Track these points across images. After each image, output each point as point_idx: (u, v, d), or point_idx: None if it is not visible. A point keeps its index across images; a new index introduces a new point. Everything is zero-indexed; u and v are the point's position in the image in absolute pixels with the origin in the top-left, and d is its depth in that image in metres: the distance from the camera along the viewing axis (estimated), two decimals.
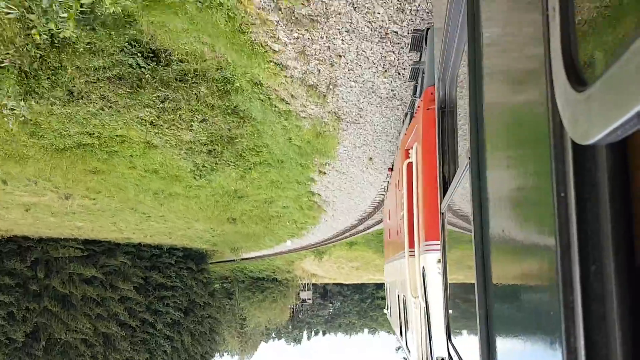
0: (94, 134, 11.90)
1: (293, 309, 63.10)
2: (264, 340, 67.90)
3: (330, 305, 73.71)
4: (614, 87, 0.46)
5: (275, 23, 5.76)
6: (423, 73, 4.96)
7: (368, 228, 25.24)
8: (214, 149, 11.37)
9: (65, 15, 5.15)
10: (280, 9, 5.54)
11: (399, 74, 6.40)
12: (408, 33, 5.43)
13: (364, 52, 6.04)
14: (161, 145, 11.24)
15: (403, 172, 4.91)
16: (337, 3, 5.29)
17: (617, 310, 0.60)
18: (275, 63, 6.83)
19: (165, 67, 7.95)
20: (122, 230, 31.91)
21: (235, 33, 6.15)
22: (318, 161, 12.45)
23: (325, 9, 5.40)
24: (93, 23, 6.05)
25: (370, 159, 10.59)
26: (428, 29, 4.93)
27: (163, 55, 7.78)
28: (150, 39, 7.42)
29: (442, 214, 2.45)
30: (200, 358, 45.76)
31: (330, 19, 5.49)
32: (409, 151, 4.92)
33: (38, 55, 6.90)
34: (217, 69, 8.14)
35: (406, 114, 6.86)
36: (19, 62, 6.53)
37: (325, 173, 13.90)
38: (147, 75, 7.94)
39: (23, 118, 7.70)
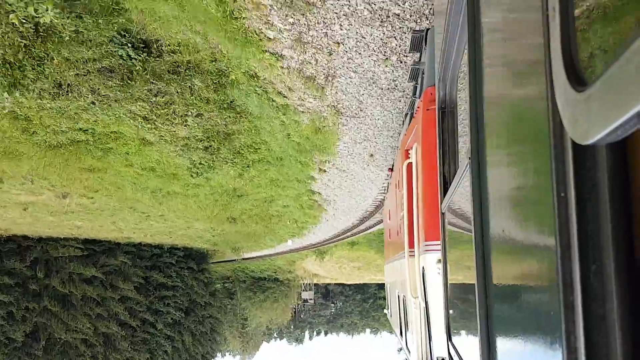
0: (87, 130, 11.61)
1: (295, 309, 62.88)
2: (265, 340, 67.91)
3: (332, 305, 73.62)
4: (613, 87, 0.46)
5: (269, 7, 5.42)
6: (423, 73, 4.96)
7: (369, 228, 24.91)
8: (211, 146, 11.04)
9: None
10: None
11: (401, 62, 6.05)
12: (410, 16, 5.09)
13: (363, 39, 5.70)
14: (156, 141, 10.92)
15: (403, 173, 4.92)
16: None
17: (618, 310, 0.60)
18: (270, 52, 6.49)
19: (157, 59, 7.62)
20: (121, 229, 31.75)
21: (228, 19, 5.81)
22: (318, 158, 12.11)
23: None
24: (78, 9, 5.72)
25: (371, 155, 10.24)
26: (428, 29, 4.97)
27: (154, 46, 7.46)
28: (140, 29, 7.10)
29: (443, 214, 2.44)
30: (201, 358, 45.60)
31: (327, 1, 5.15)
32: (409, 151, 4.93)
33: (22, 45, 6.58)
34: (212, 61, 7.81)
35: (406, 114, 6.91)
36: (2, 52, 6.21)
37: (325, 171, 13.57)
38: (137, 67, 7.61)
39: (7, 111, 7.38)
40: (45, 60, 6.95)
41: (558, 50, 0.65)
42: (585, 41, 0.61)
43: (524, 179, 0.95)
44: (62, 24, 6.00)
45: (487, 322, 1.33)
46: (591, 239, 0.65)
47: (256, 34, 6.09)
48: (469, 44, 1.48)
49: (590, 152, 0.65)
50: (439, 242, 2.77)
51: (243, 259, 43.99)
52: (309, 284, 57.70)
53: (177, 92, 8.33)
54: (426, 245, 3.93)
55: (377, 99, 7.25)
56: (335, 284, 65.84)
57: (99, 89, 8.19)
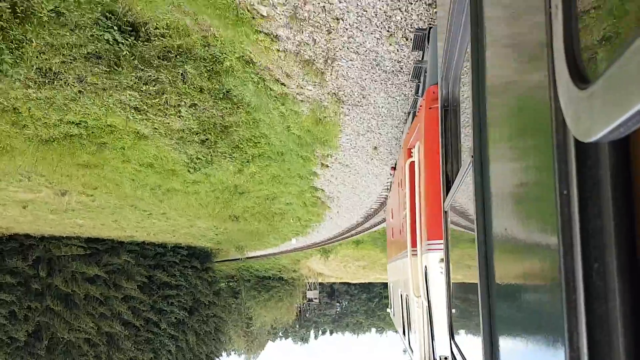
0: (80, 123, 11.20)
1: (300, 308, 62.64)
2: (270, 340, 67.89)
3: (338, 304, 73.51)
4: (616, 85, 0.47)
5: None
6: (425, 72, 4.93)
7: (374, 226, 24.41)
8: (207, 139, 10.56)
9: None
10: None
11: (407, 38, 5.51)
12: None
13: (365, 12, 5.17)
14: (150, 135, 10.46)
15: (405, 171, 4.91)
16: None
17: (620, 309, 0.60)
18: (265, 33, 5.99)
19: (145, 43, 7.14)
20: (124, 228, 31.60)
21: None
22: (320, 152, 11.60)
23: None
24: None
25: (375, 148, 9.71)
26: (430, 27, 4.94)
27: (142, 29, 6.97)
28: (126, 10, 6.61)
29: (445, 212, 2.44)
30: (206, 358, 45.46)
31: None
32: (412, 150, 4.91)
33: None
34: (204, 46, 7.32)
35: (408, 112, 6.88)
36: None
37: (327, 166, 13.06)
38: (125, 52, 7.14)
39: None
40: (24, 44, 6.48)
41: (561, 48, 0.65)
42: (588, 39, 0.61)
43: (526, 177, 0.95)
44: (39, 2, 5.52)
45: (489, 321, 1.33)
46: (593, 237, 0.64)
47: (248, 10, 5.59)
48: (472, 42, 1.46)
49: (593, 150, 0.65)
50: (441, 241, 2.80)
51: (247, 257, 43.80)
52: (314, 283, 57.34)
53: (169, 80, 7.84)
54: (429, 244, 3.93)
55: (381, 83, 6.72)
56: (340, 283, 65.57)
57: (85, 76, 7.73)
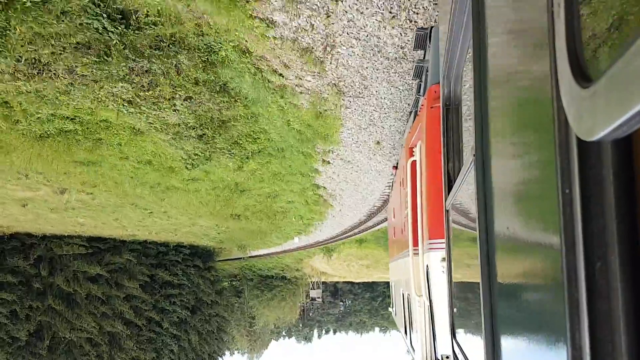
0: (75, 119, 10.91)
1: (303, 307, 62.46)
2: (274, 339, 67.87)
3: (341, 303, 73.40)
4: (618, 84, 0.47)
5: None
6: (427, 71, 4.93)
7: (377, 224, 24.07)
8: (205, 134, 10.24)
9: None
10: None
11: (411, 20, 5.16)
12: None
13: None
14: (146, 130, 10.15)
15: (407, 171, 4.91)
16: None
17: (623, 308, 0.60)
18: (259, 18, 5.65)
19: (137, 32, 6.81)
20: (125, 227, 31.44)
21: None
22: (321, 148, 11.26)
23: None
24: None
25: (378, 142, 9.35)
26: (432, 27, 4.92)
27: (133, 17, 6.65)
28: None
29: (447, 211, 2.43)
30: (208, 357, 45.33)
31: None
32: (413, 149, 4.88)
33: None
34: (198, 35, 6.99)
35: (410, 112, 6.89)
36: None
37: (329, 162, 12.71)
38: (115, 41, 6.82)
39: None
40: (7, 32, 6.17)
41: (563, 46, 0.65)
42: (590, 38, 0.61)
43: (528, 175, 0.94)
44: None
45: (491, 320, 1.32)
46: (596, 236, 0.64)
47: None
48: (474, 41, 1.46)
49: (595, 149, 0.65)
50: (443, 240, 2.81)
51: (250, 257, 43.63)
52: (317, 282, 57.08)
53: (162, 71, 7.52)
54: (430, 243, 3.93)
55: (383, 72, 6.37)
56: (343, 282, 65.37)
57: (75, 67, 7.41)
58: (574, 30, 0.63)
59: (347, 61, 6.26)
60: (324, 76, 6.80)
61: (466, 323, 2.19)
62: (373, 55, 5.95)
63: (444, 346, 3.60)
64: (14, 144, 11.85)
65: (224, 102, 9.03)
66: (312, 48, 6.10)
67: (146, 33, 6.82)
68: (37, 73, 7.71)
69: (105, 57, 7.04)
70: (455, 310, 2.40)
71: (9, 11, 5.89)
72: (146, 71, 7.56)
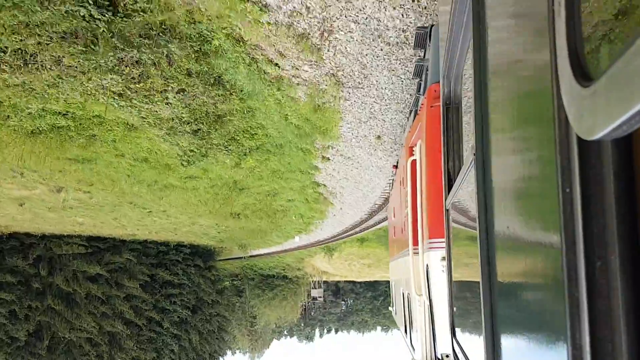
0: (67, 114, 10.61)
1: (305, 306, 62.28)
2: (276, 338, 67.85)
3: (343, 302, 73.38)
4: (619, 83, 0.47)
5: None
6: (427, 70, 4.91)
7: (379, 223, 23.75)
8: (200, 129, 9.91)
9: None
10: None
11: (413, 0, 4.82)
12: None
13: None
14: (139, 125, 9.83)
15: (407, 170, 4.90)
16: None
17: (623, 307, 0.60)
18: (252, 1, 5.31)
19: (125, 19, 6.49)
20: (125, 226, 31.21)
21: None
22: (320, 143, 10.92)
23: None
24: None
25: (379, 137, 9.01)
26: (432, 26, 4.88)
27: (120, 3, 6.32)
28: None
29: (447, 210, 2.43)
30: (209, 357, 45.19)
31: None
32: (413, 148, 4.87)
33: None
34: (189, 23, 6.66)
35: (410, 111, 6.87)
36: None
37: (329, 159, 12.38)
38: (102, 30, 6.49)
39: None
40: None
41: (564, 45, 0.65)
42: (591, 36, 0.61)
43: (528, 175, 0.94)
44: None
45: (491, 319, 1.32)
46: (596, 235, 0.65)
47: None
48: (474, 40, 1.45)
49: (596, 148, 0.65)
50: (443, 240, 2.77)
51: (250, 256, 43.43)
52: (318, 282, 56.83)
53: (152, 61, 7.19)
54: (430, 242, 3.93)
55: (384, 59, 6.02)
56: (345, 281, 65.21)
57: (62, 57, 7.09)
58: (574, 29, 0.63)
59: (346, 48, 5.93)
60: (322, 65, 6.46)
61: (466, 322, 2.18)
62: (373, 40, 5.61)
63: (444, 345, 3.61)
64: (5, 140, 11.55)
65: (218, 96, 8.71)
66: (309, 34, 5.76)
67: (135, 21, 6.50)
68: (24, 64, 7.40)
69: (92, 47, 6.72)
70: (455, 309, 2.40)
71: None
72: (136, 62, 7.24)
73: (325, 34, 5.62)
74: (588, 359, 0.64)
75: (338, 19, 5.31)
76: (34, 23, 6.70)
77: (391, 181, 12.09)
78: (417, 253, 4.32)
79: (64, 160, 14.39)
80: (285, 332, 71.48)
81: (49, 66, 7.40)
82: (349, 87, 7.06)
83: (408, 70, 6.22)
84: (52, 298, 34.16)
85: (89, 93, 8.09)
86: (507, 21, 1.12)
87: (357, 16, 5.21)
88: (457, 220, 2.27)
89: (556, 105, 0.71)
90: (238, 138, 11.51)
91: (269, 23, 5.76)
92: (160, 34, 6.76)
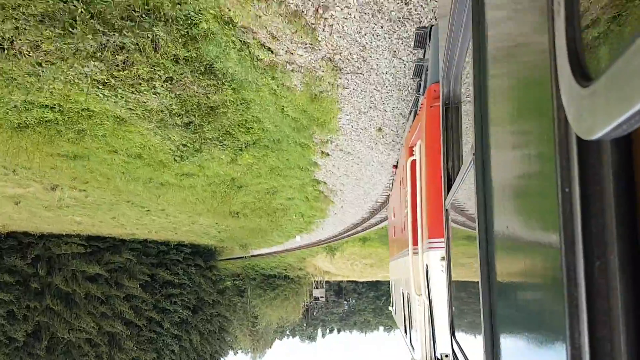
0: (54, 107, 10.16)
1: (307, 306, 62.00)
2: (278, 338, 67.76)
3: (345, 302, 73.31)
4: (618, 82, 0.47)
5: None
6: (427, 70, 4.89)
7: (381, 222, 23.26)
8: (191, 122, 9.43)
9: None
10: None
11: None
12: None
13: None
14: (128, 117, 9.36)
15: (407, 170, 4.89)
16: None
17: (622, 307, 0.60)
18: None
19: (104, 0, 6.01)
20: (124, 225, 30.87)
21: None
22: (318, 137, 10.43)
23: None
24: None
25: (380, 129, 8.50)
26: (432, 26, 4.87)
27: None
28: None
29: (446, 210, 2.43)
30: (210, 357, 44.92)
31: None
32: (413, 149, 4.86)
33: None
34: (174, 4, 6.17)
35: (410, 111, 6.87)
36: None
37: (328, 154, 11.88)
38: (80, 10, 6.01)
39: None
40: None
41: (563, 45, 0.65)
42: (590, 36, 0.61)
43: (528, 174, 0.95)
44: None
45: (490, 319, 1.32)
46: (595, 235, 0.65)
47: None
48: (473, 39, 1.46)
49: (595, 148, 0.65)
50: (442, 240, 2.79)
51: (251, 256, 43.14)
52: (320, 282, 56.45)
53: (136, 46, 6.71)
54: (430, 242, 3.93)
55: (385, 39, 5.52)
56: (347, 281, 64.95)
57: (40, 42, 6.61)
58: (574, 29, 0.63)
59: (343, 27, 5.42)
60: (317, 48, 5.96)
61: (465, 322, 2.17)
62: (372, 16, 5.10)
63: (444, 345, 3.59)
64: None
65: (210, 86, 8.22)
66: (302, 11, 5.26)
67: (115, 1, 6.01)
68: (0, 51, 6.93)
69: (70, 30, 6.24)
70: (454, 309, 2.39)
71: None
72: (120, 48, 6.76)
73: (320, 11, 5.12)
74: (587, 359, 0.63)
75: None
76: (10, 5, 6.25)
77: (393, 178, 11.62)
78: (417, 253, 4.33)
79: (56, 157, 13.98)
80: (287, 332, 71.35)
81: (27, 52, 6.92)
82: (347, 73, 6.55)
83: (411, 52, 5.70)
84: (51, 298, 33.85)
85: (72, 82, 7.61)
86: (507, 21, 1.11)
87: None
88: (457, 220, 2.26)
89: (555, 105, 0.70)
90: (233, 132, 11.02)
91: (258, 0, 5.27)
92: (144, 15, 6.27)
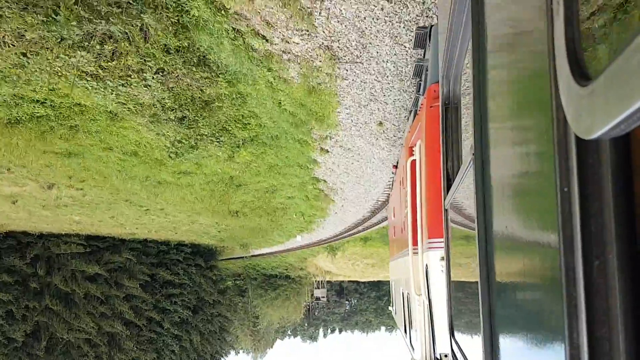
0: (45, 102, 9.86)
1: (308, 306, 61.86)
2: (279, 338, 67.75)
3: (347, 302, 73.32)
4: (617, 82, 0.47)
5: None
6: (427, 70, 4.90)
7: (382, 221, 22.93)
8: (185, 117, 9.10)
9: None
10: None
11: None
12: None
13: None
14: (120, 111, 9.04)
15: (407, 170, 4.91)
16: None
17: (621, 306, 0.60)
18: None
19: None
20: (123, 224, 30.65)
21: None
22: (317, 133, 10.09)
23: None
24: None
25: (380, 123, 8.16)
26: (432, 26, 4.84)
27: None
28: None
29: (446, 210, 2.43)
30: (210, 358, 44.74)
31: None
32: (413, 149, 4.87)
33: None
34: None
35: (410, 111, 6.80)
36: None
37: (327, 151, 11.55)
38: None
39: None
40: None
41: (562, 45, 0.65)
42: (589, 36, 0.61)
43: (527, 174, 0.95)
44: None
45: (489, 319, 1.33)
46: (594, 235, 0.65)
47: None
48: (473, 40, 1.46)
49: (594, 147, 0.65)
50: (442, 240, 2.77)
51: (252, 255, 42.97)
52: (322, 282, 56.22)
53: (125, 35, 6.38)
54: (429, 242, 3.93)
55: (385, 22, 5.18)
56: (349, 281, 64.81)
57: (24, 30, 6.29)
58: (573, 28, 0.63)
59: (341, 10, 5.09)
60: (314, 35, 5.63)
61: (465, 322, 2.16)
62: None
63: (443, 345, 3.58)
64: None
65: (204, 78, 7.89)
66: None
67: None
68: None
69: (54, 17, 5.92)
70: (453, 309, 2.39)
71: None
72: (107, 35, 6.44)
73: None
74: (586, 358, 0.64)
75: None
76: None
77: (393, 175, 11.31)
78: (417, 253, 4.32)
79: (50, 154, 13.70)
80: (288, 332, 71.32)
81: (10, 42, 6.61)
82: (346, 63, 6.21)
83: (413, 37, 5.36)
84: (50, 298, 33.67)
85: (59, 74, 7.30)
86: (506, 21, 1.10)
87: None
88: (456, 220, 2.26)
89: (554, 104, 0.70)
90: (229, 128, 10.70)
91: None
92: (131, 1, 5.95)
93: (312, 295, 56.56)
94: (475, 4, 1.43)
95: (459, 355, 2.14)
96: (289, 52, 6.40)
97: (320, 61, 6.32)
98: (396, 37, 5.41)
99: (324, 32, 5.60)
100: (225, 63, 7.40)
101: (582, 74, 0.58)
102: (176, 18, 6.33)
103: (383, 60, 6.02)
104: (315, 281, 56.06)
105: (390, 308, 11.33)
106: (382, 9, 4.98)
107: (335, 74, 6.58)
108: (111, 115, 9.92)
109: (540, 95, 0.78)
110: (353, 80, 6.73)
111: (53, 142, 11.99)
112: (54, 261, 34.65)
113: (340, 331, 76.04)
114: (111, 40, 6.56)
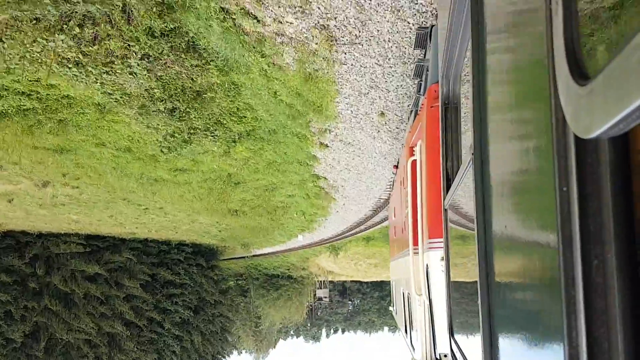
0: (31, 94, 9.41)
1: (311, 306, 61.57)
2: (282, 338, 67.64)
3: (349, 302, 73.14)
4: (616, 81, 0.48)
5: None
6: (427, 70, 4.93)
7: (385, 220, 22.44)
8: (176, 108, 8.62)
9: None
10: None
11: None
12: None
13: None
14: (107, 102, 8.57)
15: (407, 170, 4.94)
16: None
17: (619, 306, 0.61)
18: None
19: None
20: (122, 224, 30.33)
21: None
22: (316, 126, 9.59)
23: None
24: None
25: (382, 114, 7.66)
26: (432, 26, 4.83)
27: None
28: None
29: (445, 210, 2.45)
30: (212, 358, 44.49)
31: None
32: (414, 149, 4.89)
33: None
34: None
35: (411, 111, 6.80)
36: None
37: (327, 146, 11.05)
38: None
39: None
40: None
41: (561, 44, 0.65)
42: (588, 35, 0.62)
43: (526, 174, 0.95)
44: None
45: (489, 318, 1.33)
46: (593, 234, 0.65)
47: None
48: (472, 40, 1.47)
49: (593, 147, 0.65)
50: (442, 240, 2.79)
51: (254, 255, 42.64)
52: (324, 282, 55.86)
53: (105, 17, 5.90)
54: (430, 242, 3.94)
55: None
56: (351, 281, 64.51)
57: None
58: (572, 28, 0.63)
59: None
60: (309, 12, 5.14)
61: (464, 322, 2.14)
62: None
63: (444, 345, 3.52)
64: None
65: (194, 66, 7.41)
66: None
67: None
68: None
69: None
70: (453, 309, 2.37)
71: None
72: (86, 17, 5.96)
73: None
74: (585, 358, 0.64)
75: None
76: None
77: (395, 170, 10.83)
78: (417, 253, 4.33)
79: (41, 150, 13.28)
80: (291, 332, 71.15)
81: None
82: (344, 44, 5.71)
83: (418, 10, 4.85)
84: (50, 298, 33.40)
85: (39, 60, 6.82)
86: (505, 21, 1.10)
87: None
88: (455, 220, 2.24)
89: (553, 104, 0.71)
90: (224, 121, 10.22)
91: None
92: None
93: (315, 295, 56.22)
94: (474, 4, 1.42)
95: (458, 355, 2.13)
96: (282, 34, 5.91)
97: (317, 43, 5.83)
98: (398, 10, 4.90)
99: (319, 8, 5.10)
100: (216, 49, 6.91)
101: (581, 74, 0.58)
102: None
103: (384, 39, 5.50)
104: (318, 281, 55.75)
105: (391, 308, 11.31)
106: None
107: (333, 58, 6.08)
108: (99, 107, 9.46)
109: (539, 95, 0.77)
110: (352, 64, 6.23)
111: (42, 137, 11.55)
112: (53, 261, 34.37)
113: (343, 331, 75.94)
114: (91, 22, 6.08)
